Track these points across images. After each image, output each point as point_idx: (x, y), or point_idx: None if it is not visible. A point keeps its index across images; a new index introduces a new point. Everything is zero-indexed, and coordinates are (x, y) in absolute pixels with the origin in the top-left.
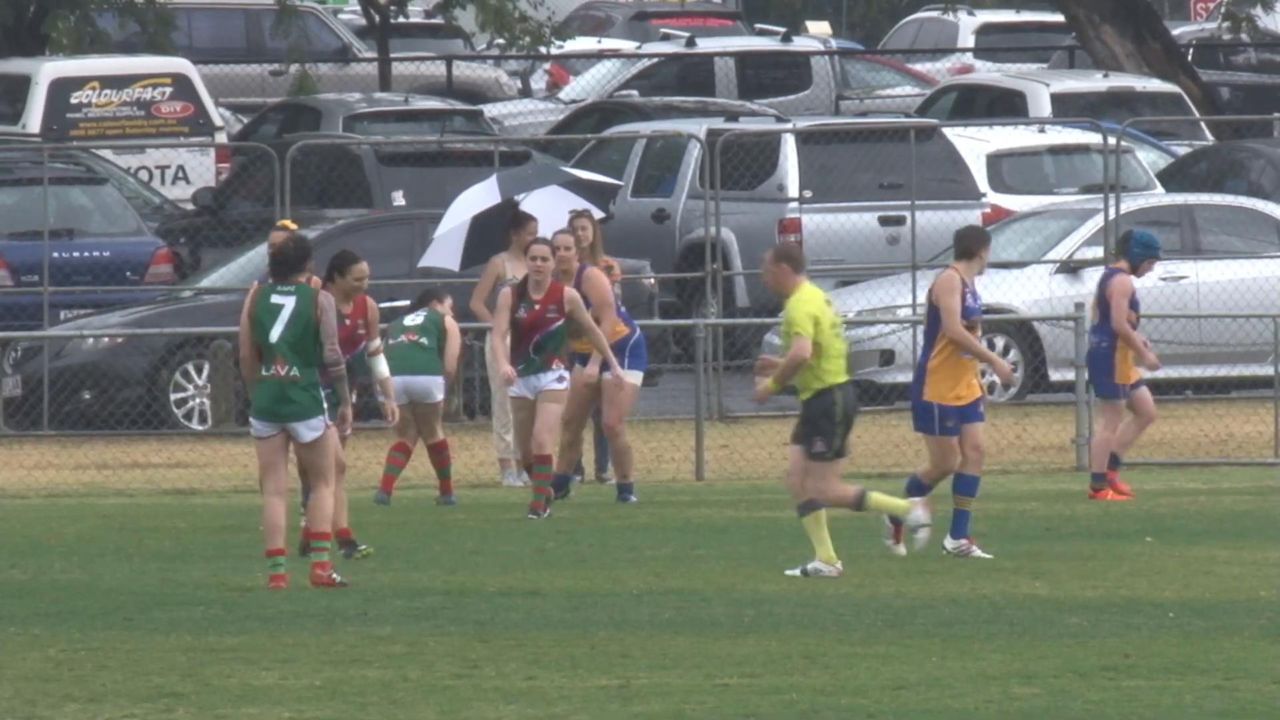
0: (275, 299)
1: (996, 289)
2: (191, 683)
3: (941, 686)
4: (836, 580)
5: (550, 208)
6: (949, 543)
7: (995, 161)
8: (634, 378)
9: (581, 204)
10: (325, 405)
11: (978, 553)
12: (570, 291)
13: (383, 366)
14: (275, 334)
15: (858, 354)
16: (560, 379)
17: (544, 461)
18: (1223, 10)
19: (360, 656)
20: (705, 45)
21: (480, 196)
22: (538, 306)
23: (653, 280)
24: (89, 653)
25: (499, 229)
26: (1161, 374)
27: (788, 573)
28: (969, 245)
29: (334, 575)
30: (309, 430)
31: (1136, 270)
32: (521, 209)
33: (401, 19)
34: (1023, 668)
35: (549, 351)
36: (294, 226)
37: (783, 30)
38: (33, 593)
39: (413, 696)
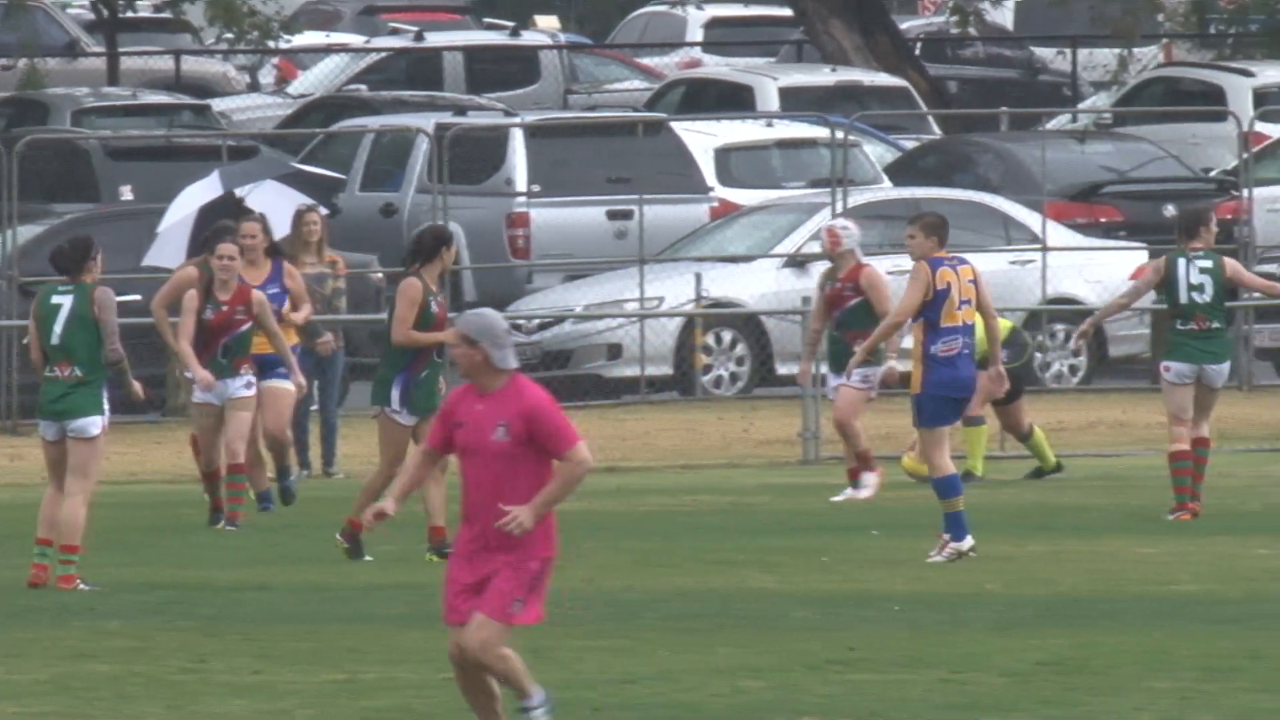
0: (55, 299)
1: (724, 283)
2: None
3: (671, 680)
4: (564, 574)
5: (274, 203)
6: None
7: (723, 155)
8: (288, 385)
9: (305, 200)
10: (106, 406)
11: None
12: (258, 294)
13: None
14: (55, 335)
15: (585, 348)
16: (249, 384)
17: (237, 470)
18: (950, 5)
19: (89, 651)
20: (434, 39)
21: (202, 191)
22: (225, 308)
23: (380, 275)
24: None
25: None
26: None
27: None
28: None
29: (81, 586)
30: (85, 429)
31: None
32: (246, 204)
33: (130, 13)
34: (751, 661)
35: (236, 355)
36: None
37: (511, 24)
38: None
39: (141, 691)
